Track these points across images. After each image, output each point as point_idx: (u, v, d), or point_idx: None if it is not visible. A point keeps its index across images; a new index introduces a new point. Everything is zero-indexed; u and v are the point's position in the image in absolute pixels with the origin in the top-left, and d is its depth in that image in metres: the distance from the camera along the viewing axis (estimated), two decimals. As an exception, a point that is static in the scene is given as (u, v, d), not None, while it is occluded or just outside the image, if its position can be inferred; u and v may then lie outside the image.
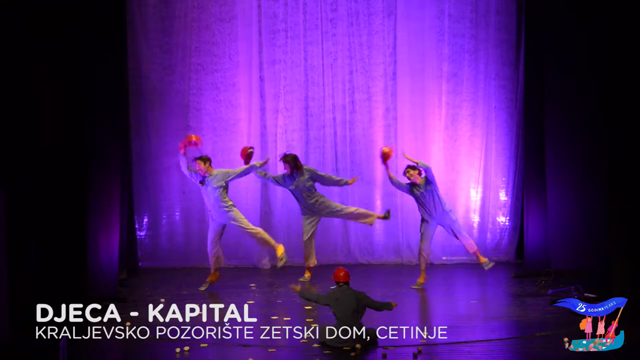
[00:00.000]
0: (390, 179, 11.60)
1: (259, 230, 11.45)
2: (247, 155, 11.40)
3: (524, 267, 12.51)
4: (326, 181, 11.84)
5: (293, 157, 11.67)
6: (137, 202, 13.08)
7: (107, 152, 10.51)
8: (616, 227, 9.47)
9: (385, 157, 11.49)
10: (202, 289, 11.19)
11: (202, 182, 11.16)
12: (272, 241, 11.40)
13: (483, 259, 11.47)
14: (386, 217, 11.96)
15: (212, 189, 11.11)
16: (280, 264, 11.38)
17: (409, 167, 11.34)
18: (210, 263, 11.32)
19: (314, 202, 11.73)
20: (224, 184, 11.16)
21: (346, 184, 11.90)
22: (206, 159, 11.22)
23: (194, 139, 11.28)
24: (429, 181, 11.23)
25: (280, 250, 11.29)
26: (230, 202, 11.19)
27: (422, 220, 11.42)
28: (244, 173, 11.34)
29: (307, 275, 11.93)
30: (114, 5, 11.19)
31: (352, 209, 12.02)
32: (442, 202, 11.31)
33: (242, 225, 11.23)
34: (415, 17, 13.30)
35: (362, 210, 12.07)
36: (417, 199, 11.37)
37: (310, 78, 13.43)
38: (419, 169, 11.28)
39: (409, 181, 11.37)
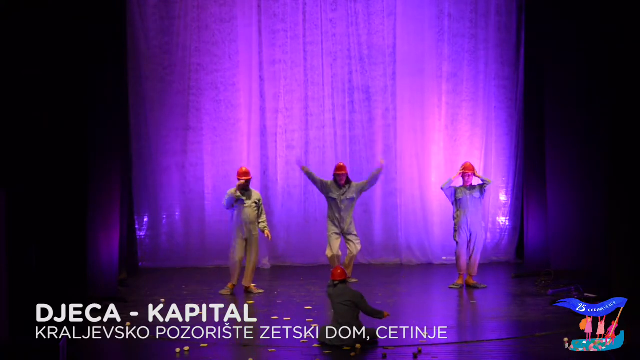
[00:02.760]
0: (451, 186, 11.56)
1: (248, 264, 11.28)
2: None
3: (524, 267, 12.52)
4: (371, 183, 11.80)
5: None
6: (137, 202, 13.08)
7: (107, 152, 10.51)
8: (616, 227, 9.47)
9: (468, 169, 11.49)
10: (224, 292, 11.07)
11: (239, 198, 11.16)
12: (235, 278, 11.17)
13: (473, 282, 11.37)
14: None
15: (252, 204, 11.12)
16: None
17: (468, 168, 11.38)
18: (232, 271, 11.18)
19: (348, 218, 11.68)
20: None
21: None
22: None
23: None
24: (481, 190, 11.38)
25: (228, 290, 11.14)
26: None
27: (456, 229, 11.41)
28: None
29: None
30: (114, 5, 11.19)
31: (351, 257, 11.77)
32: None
33: (254, 255, 11.19)
34: (415, 17, 13.30)
35: (350, 264, 11.86)
36: (458, 201, 11.35)
37: (310, 78, 13.43)
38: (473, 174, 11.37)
39: (460, 185, 11.38)
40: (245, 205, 11.06)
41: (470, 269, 11.40)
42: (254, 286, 11.23)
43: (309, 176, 11.77)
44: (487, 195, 13.26)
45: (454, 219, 11.41)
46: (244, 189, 11.10)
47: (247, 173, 11.15)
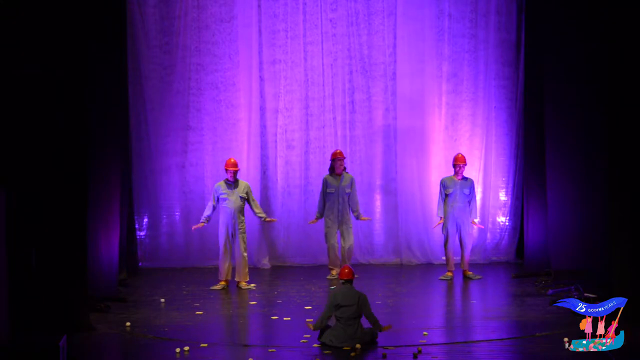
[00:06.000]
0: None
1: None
2: None
3: (524, 267, 12.51)
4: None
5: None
6: (137, 202, 13.08)
7: (107, 152, 10.51)
8: (616, 227, 9.46)
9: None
10: None
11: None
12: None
13: (469, 273, 12.02)
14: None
15: (237, 197, 11.38)
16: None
17: (461, 159, 11.88)
18: None
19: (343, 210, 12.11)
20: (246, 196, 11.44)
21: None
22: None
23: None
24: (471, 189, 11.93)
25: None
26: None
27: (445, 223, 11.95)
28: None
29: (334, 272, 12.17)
30: (114, 5, 11.19)
31: (348, 248, 12.14)
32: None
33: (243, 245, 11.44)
34: (415, 17, 13.30)
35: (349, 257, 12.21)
36: (447, 196, 11.90)
37: (310, 78, 13.43)
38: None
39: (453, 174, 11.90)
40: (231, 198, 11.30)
41: (463, 265, 11.99)
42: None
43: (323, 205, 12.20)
44: (486, 192, 13.34)
45: (440, 210, 11.96)
46: (232, 181, 11.32)
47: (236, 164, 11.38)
